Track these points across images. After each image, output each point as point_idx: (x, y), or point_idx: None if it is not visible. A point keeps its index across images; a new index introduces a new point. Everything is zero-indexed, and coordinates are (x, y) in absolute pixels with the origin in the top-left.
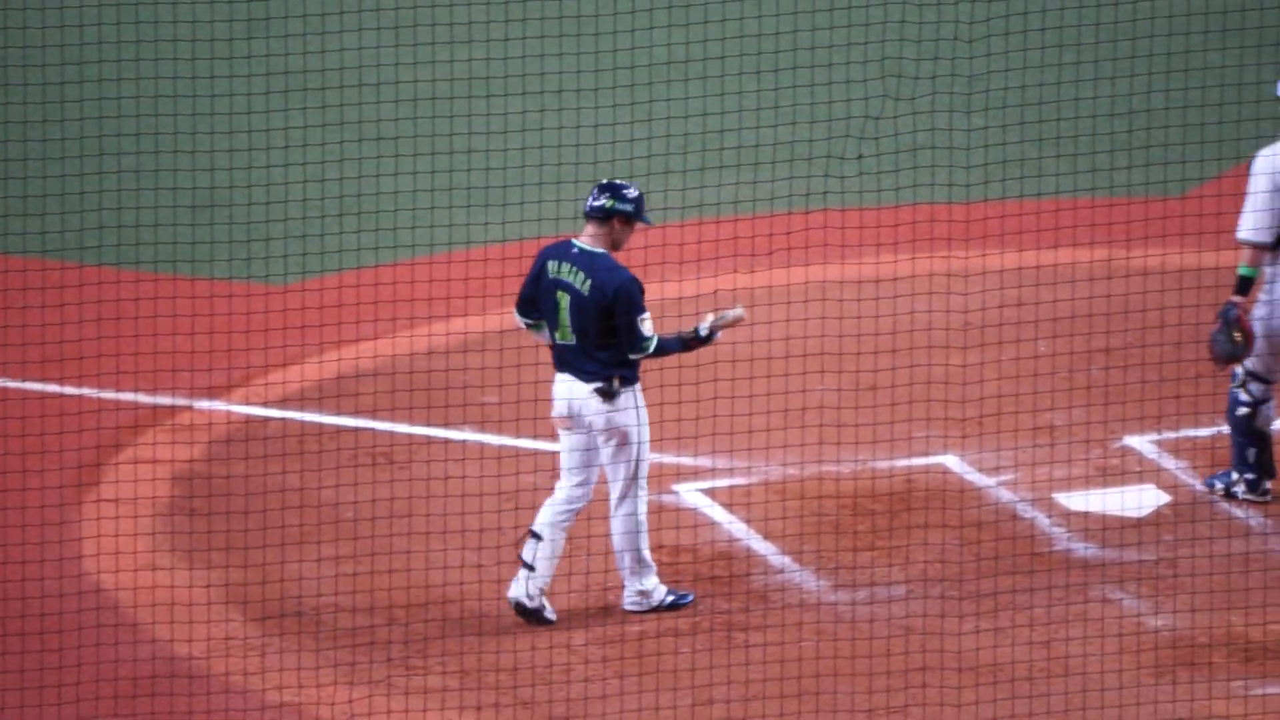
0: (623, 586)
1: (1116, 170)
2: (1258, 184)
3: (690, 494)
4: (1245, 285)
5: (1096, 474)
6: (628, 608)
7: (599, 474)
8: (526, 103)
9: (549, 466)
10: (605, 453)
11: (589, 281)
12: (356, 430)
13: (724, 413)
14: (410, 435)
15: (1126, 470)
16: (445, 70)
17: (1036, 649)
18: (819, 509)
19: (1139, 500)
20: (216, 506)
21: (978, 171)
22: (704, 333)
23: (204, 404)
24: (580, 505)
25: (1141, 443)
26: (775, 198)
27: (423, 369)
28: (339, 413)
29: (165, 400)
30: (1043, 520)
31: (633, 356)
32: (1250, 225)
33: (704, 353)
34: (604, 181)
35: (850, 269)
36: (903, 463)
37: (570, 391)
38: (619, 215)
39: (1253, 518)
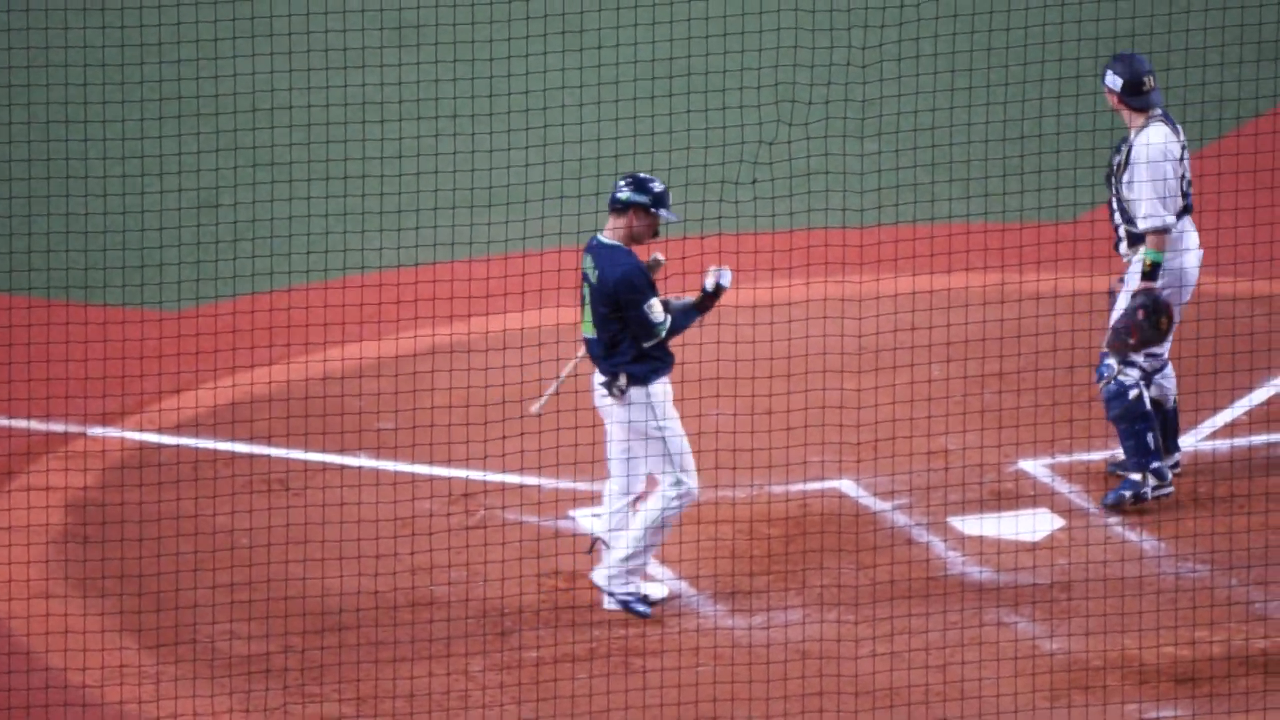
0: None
1: (1008, 195)
2: (1153, 171)
3: (586, 519)
4: (1157, 270)
5: (991, 498)
6: (597, 579)
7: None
8: (421, 128)
9: (445, 492)
10: (637, 450)
11: (598, 273)
12: (252, 456)
13: None
14: (306, 461)
15: (1020, 494)
16: (338, 95)
17: (932, 673)
18: (715, 534)
19: (1033, 524)
20: (110, 534)
21: (871, 196)
22: (710, 288)
23: (98, 431)
24: (627, 499)
25: (1035, 467)
26: (676, 223)
27: (318, 394)
28: (234, 439)
29: (58, 427)
30: (938, 544)
31: (647, 345)
32: (1153, 211)
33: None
34: (629, 174)
35: (744, 294)
36: (798, 487)
37: (594, 386)
38: (636, 206)
39: (1145, 540)
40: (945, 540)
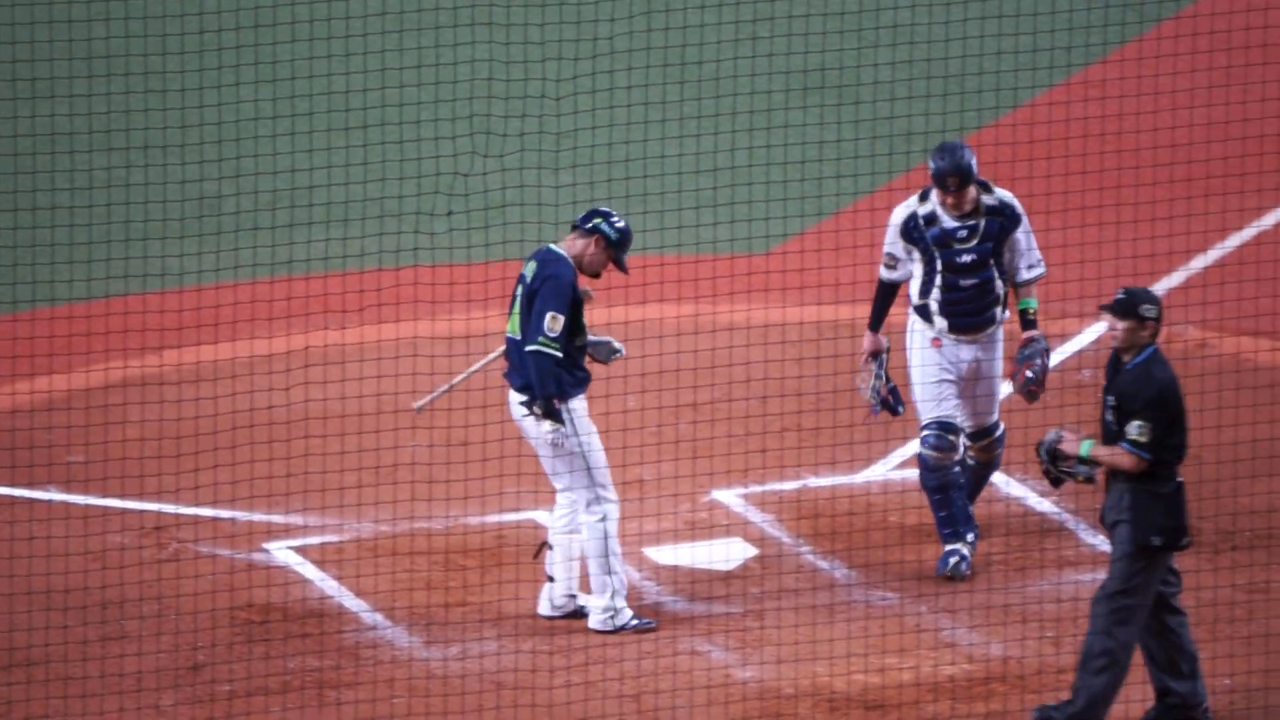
0: (582, 605)
1: (701, 227)
2: (1030, 223)
3: (281, 551)
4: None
5: (685, 528)
6: (594, 626)
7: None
8: (112, 158)
9: (138, 525)
10: (555, 466)
11: (535, 270)
12: None
13: (315, 469)
14: None
15: (714, 524)
16: (27, 125)
17: (627, 701)
18: (411, 565)
19: (727, 553)
20: None
21: (566, 229)
22: (550, 421)
23: None
24: (577, 507)
25: (729, 496)
26: (366, 254)
27: (7, 428)
28: None
29: None
30: (633, 574)
31: (528, 348)
32: (1040, 258)
33: (294, 409)
34: (608, 209)
35: (441, 325)
36: (494, 518)
37: (511, 406)
38: (602, 238)
39: (837, 569)
40: (640, 570)
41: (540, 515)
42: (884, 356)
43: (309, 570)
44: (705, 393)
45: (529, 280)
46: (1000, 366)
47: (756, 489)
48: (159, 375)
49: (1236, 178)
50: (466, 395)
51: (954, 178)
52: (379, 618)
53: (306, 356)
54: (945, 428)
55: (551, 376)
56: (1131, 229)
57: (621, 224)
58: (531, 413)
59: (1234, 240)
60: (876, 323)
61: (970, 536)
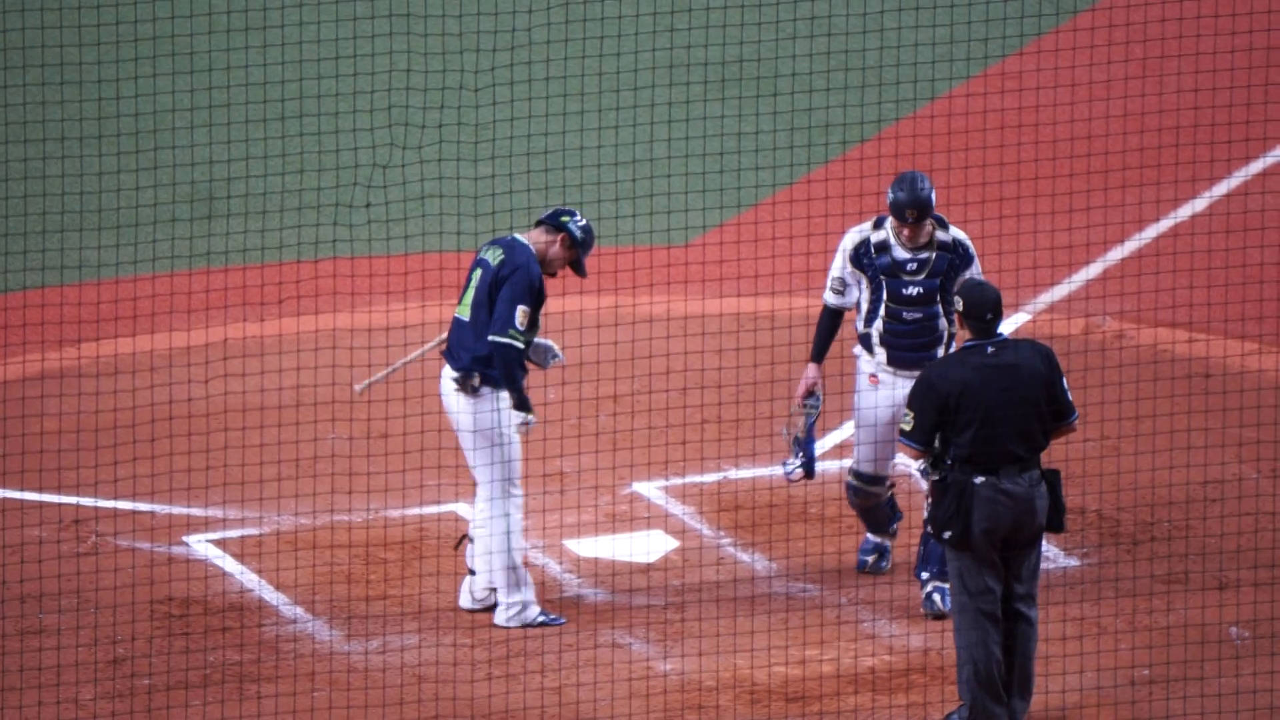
0: (493, 599)
1: (620, 219)
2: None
3: (200, 545)
4: None
5: (605, 520)
6: (500, 623)
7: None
8: (28, 150)
9: (56, 519)
10: (475, 454)
11: (502, 258)
12: None
13: (235, 462)
14: None
15: (635, 516)
16: None
17: (548, 694)
18: (331, 558)
19: (647, 546)
20: None
21: (485, 220)
22: (529, 418)
23: None
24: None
25: (650, 488)
26: (284, 246)
27: None
28: None
29: None
30: (553, 566)
31: (491, 336)
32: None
33: (213, 401)
34: (569, 207)
35: (360, 317)
36: (414, 511)
37: (443, 381)
38: (568, 234)
39: (757, 561)
40: (561, 562)
41: (461, 508)
42: (819, 396)
43: (229, 563)
44: (625, 384)
45: (494, 266)
46: None
47: (677, 481)
48: (77, 368)
49: (1153, 169)
50: (386, 387)
51: (912, 210)
52: (299, 611)
53: (225, 349)
54: (867, 480)
55: (518, 367)
56: (1049, 220)
57: (587, 225)
58: (463, 389)
59: (1151, 231)
60: (819, 353)
61: (893, 527)
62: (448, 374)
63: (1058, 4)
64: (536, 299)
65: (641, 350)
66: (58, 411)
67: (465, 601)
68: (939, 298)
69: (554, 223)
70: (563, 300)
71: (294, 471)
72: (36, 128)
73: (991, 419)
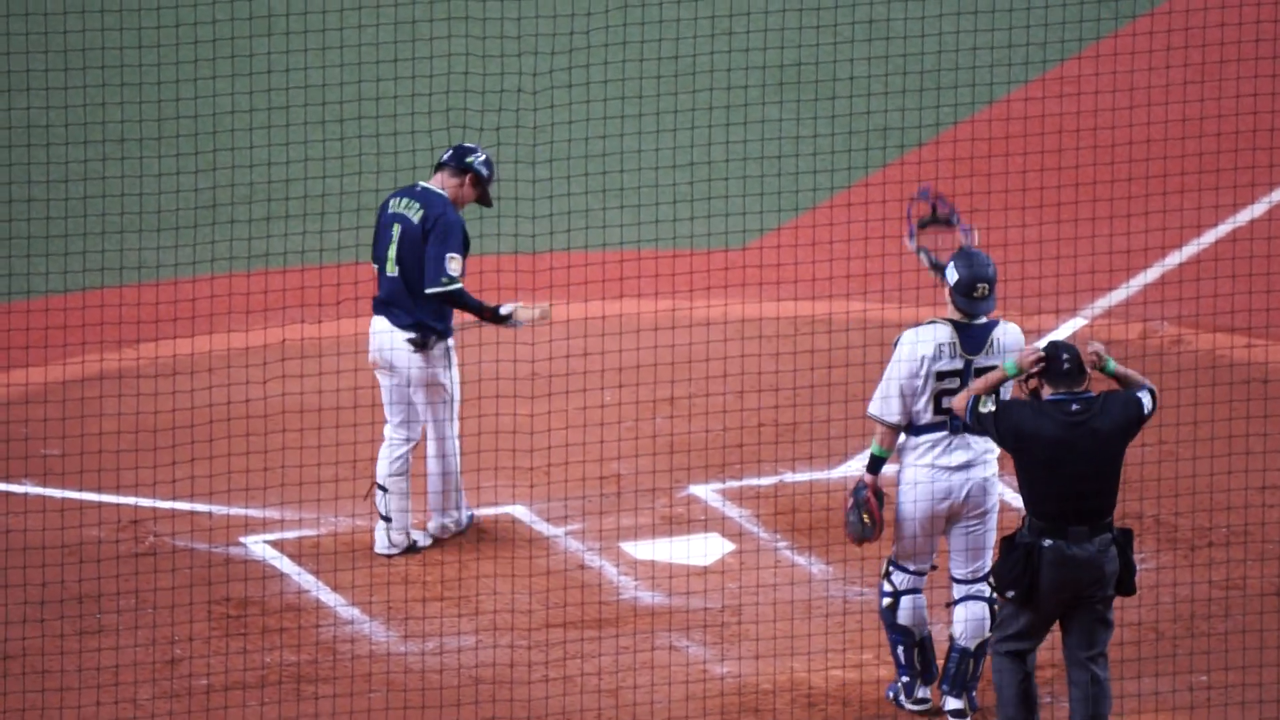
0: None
1: (678, 222)
2: (898, 369)
3: (257, 545)
4: (876, 464)
5: (662, 523)
6: (433, 530)
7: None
8: (88, 151)
9: (115, 519)
10: (419, 400)
11: (421, 212)
12: None
13: (292, 463)
14: None
15: (691, 519)
16: (2, 119)
17: (605, 697)
18: (388, 560)
19: (704, 549)
20: None
21: (542, 222)
22: (504, 311)
23: None
24: (409, 446)
25: (706, 491)
26: (343, 247)
27: None
28: None
29: None
30: (610, 569)
31: (429, 290)
32: (878, 400)
33: (271, 403)
34: (475, 145)
35: None
36: (471, 512)
37: (381, 341)
38: (474, 173)
39: (814, 564)
40: (617, 565)
41: (518, 510)
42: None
43: (286, 564)
44: (682, 388)
45: (415, 221)
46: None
47: (733, 484)
48: (135, 368)
49: (1211, 174)
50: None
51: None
52: (356, 612)
53: (284, 350)
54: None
55: (468, 299)
56: (1107, 225)
57: (487, 159)
58: (418, 348)
59: (1209, 236)
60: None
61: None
62: (386, 328)
63: (1116, 8)
64: (465, 242)
65: (699, 353)
66: (116, 412)
67: (381, 546)
68: None
69: (458, 164)
70: (620, 304)
71: (351, 473)
72: (96, 129)
73: (1066, 479)
